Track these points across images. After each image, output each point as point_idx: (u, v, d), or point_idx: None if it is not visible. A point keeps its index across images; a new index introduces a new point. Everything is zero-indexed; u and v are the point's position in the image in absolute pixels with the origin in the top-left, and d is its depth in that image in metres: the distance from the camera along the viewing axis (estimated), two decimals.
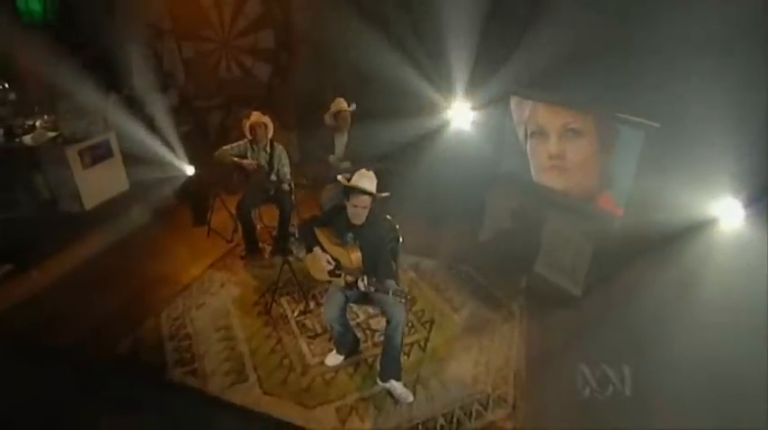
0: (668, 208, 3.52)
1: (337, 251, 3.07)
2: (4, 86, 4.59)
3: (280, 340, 3.53)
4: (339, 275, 3.10)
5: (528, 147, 4.29)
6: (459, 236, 4.82)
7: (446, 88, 5.20)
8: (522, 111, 4.27)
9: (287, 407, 3.00)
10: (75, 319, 3.62)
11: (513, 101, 4.31)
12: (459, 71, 5.11)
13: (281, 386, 3.15)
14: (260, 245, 4.64)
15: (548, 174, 4.20)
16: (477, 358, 3.37)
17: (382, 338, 3.37)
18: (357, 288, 3.05)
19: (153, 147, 5.47)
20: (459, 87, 5.17)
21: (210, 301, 3.93)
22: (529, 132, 4.23)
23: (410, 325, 3.63)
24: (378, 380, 3.11)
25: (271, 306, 3.83)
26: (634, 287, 3.69)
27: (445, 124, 5.25)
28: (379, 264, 3.03)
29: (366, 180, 2.92)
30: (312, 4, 6.20)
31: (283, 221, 4.47)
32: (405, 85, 5.18)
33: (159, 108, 6.05)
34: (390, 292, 2.83)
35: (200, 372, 3.24)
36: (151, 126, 5.73)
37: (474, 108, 5.09)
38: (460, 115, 5.11)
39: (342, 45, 6.10)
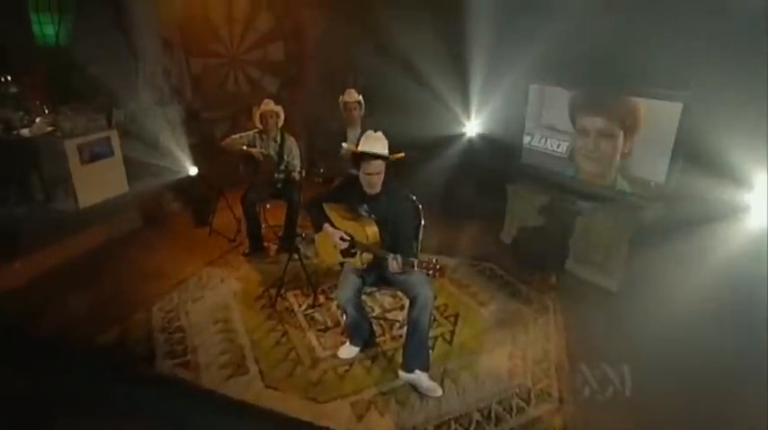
0: (709, 190, 3.24)
1: (351, 226, 2.73)
2: (5, 79, 4.45)
3: (285, 333, 3.12)
4: (354, 254, 2.75)
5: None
6: (479, 235, 4.50)
7: (461, 100, 5.09)
8: (542, 100, 4.07)
9: (293, 401, 2.56)
10: (55, 311, 3.24)
11: (533, 90, 4.12)
12: (474, 80, 5.02)
13: (286, 379, 2.71)
14: (264, 244, 4.30)
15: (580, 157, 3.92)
16: (511, 351, 2.95)
17: (401, 331, 3.00)
18: (375, 267, 2.72)
19: (156, 147, 5.35)
20: (474, 98, 5.08)
21: (209, 295, 3.54)
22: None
23: (432, 318, 3.21)
24: (400, 372, 2.67)
25: (276, 299, 3.44)
26: (675, 279, 3.33)
27: (460, 135, 5.14)
28: (399, 239, 2.66)
29: (376, 143, 2.61)
30: (323, 17, 6.24)
31: (290, 217, 4.14)
32: (417, 98, 5.06)
33: (165, 120, 5.98)
34: (415, 265, 2.47)
35: (193, 365, 2.81)
36: (156, 132, 5.66)
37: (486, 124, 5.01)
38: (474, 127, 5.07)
39: (353, 59, 6.09)
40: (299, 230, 4.29)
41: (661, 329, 3.02)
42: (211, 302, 3.45)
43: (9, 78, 4.46)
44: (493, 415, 2.46)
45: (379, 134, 2.62)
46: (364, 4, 5.66)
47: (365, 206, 2.74)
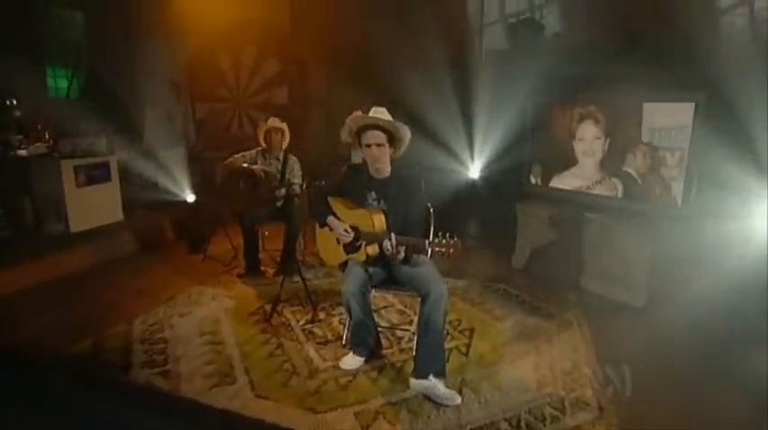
0: (732, 194, 3.09)
1: (356, 216, 2.52)
2: (11, 103, 4.45)
3: (280, 345, 2.78)
4: (359, 248, 2.52)
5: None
6: (489, 261, 4.25)
7: (466, 129, 5.14)
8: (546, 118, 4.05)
9: (287, 411, 2.19)
10: (27, 324, 2.93)
11: (537, 108, 4.11)
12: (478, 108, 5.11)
13: (279, 389, 2.35)
14: (261, 268, 4.03)
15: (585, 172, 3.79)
16: (536, 362, 2.61)
17: (411, 345, 2.69)
18: (382, 261, 2.48)
19: (156, 183, 5.29)
20: (479, 126, 5.14)
21: (197, 311, 3.22)
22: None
23: (447, 317, 2.86)
24: (412, 380, 2.32)
25: (271, 314, 3.12)
26: (706, 289, 3.07)
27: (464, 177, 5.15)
28: (408, 226, 2.44)
29: (378, 112, 2.49)
30: (326, 65, 6.45)
31: (289, 238, 3.91)
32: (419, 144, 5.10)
33: (167, 160, 6.02)
34: (427, 243, 2.24)
35: (174, 374, 2.46)
36: (157, 170, 5.68)
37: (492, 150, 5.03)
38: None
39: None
40: (298, 256, 4.07)
41: (697, 342, 2.75)
42: (200, 317, 3.13)
43: (14, 102, 4.46)
44: (523, 424, 2.09)
45: (383, 109, 2.51)
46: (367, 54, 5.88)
47: (372, 193, 2.56)
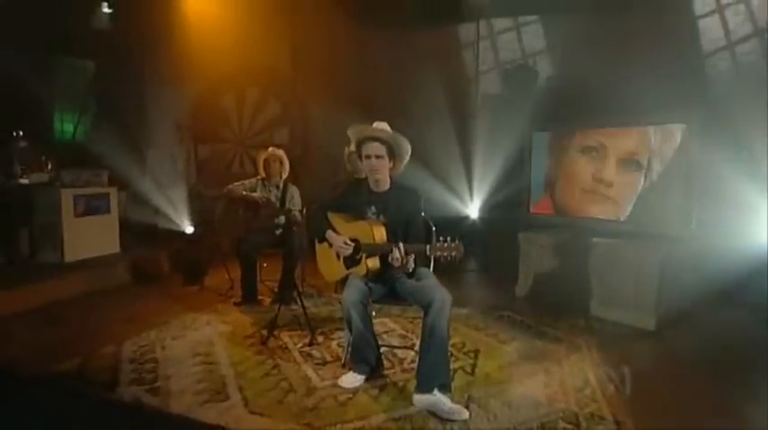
0: (735, 211, 3.10)
1: (356, 228, 2.50)
2: (17, 134, 4.52)
3: (277, 366, 2.64)
4: (358, 262, 2.48)
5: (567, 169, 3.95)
6: (492, 291, 4.19)
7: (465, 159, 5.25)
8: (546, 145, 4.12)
9: (282, 427, 2.04)
10: (12, 345, 2.82)
11: (536, 136, 4.19)
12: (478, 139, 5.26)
13: (275, 406, 2.21)
14: (259, 297, 3.92)
15: (588, 197, 3.80)
16: (546, 381, 2.48)
17: (413, 365, 2.55)
18: (382, 276, 2.43)
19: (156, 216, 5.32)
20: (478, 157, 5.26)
21: (191, 334, 3.09)
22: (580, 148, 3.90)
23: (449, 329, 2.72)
24: (415, 396, 2.19)
25: (268, 338, 3.00)
26: (716, 311, 3.00)
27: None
28: (408, 238, 2.40)
29: (379, 126, 2.52)
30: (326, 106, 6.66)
31: (288, 265, 3.83)
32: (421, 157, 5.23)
33: (168, 199, 6.10)
34: (428, 248, 2.21)
35: (164, 391, 2.31)
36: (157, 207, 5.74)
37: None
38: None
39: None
40: (296, 282, 3.99)
41: (711, 361, 2.66)
42: (193, 340, 3.00)
43: (21, 133, 4.55)
44: None
45: (385, 124, 2.55)
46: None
47: (372, 207, 2.55)
